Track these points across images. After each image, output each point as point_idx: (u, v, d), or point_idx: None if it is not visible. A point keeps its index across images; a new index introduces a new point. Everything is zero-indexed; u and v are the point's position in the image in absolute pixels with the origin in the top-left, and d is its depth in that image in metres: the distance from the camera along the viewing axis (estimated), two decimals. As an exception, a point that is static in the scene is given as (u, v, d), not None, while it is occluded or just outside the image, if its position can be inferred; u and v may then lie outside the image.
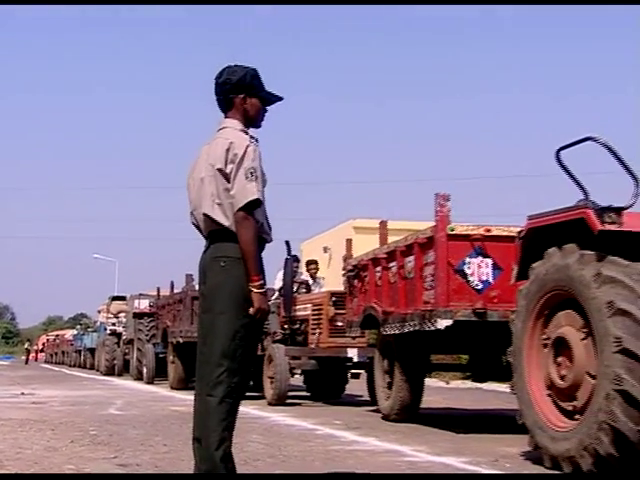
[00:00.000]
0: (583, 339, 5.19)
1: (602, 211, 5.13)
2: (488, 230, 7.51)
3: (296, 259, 12.50)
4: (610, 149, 5.23)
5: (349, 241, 11.22)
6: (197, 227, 4.00)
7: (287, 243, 11.49)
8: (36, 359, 57.05)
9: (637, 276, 4.95)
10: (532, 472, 4.32)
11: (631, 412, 4.76)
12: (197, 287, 4.17)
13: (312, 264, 13.34)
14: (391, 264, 8.65)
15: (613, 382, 4.80)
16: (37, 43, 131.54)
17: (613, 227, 5.10)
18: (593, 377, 5.06)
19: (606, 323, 4.90)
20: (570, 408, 5.30)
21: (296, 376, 12.35)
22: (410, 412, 8.62)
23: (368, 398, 10.92)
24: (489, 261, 7.46)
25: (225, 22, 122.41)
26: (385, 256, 8.83)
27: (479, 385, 13.58)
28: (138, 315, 21.18)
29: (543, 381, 5.56)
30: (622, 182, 5.30)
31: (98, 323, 32.35)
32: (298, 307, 11.94)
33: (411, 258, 8.08)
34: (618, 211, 5.12)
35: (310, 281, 13.01)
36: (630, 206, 5.17)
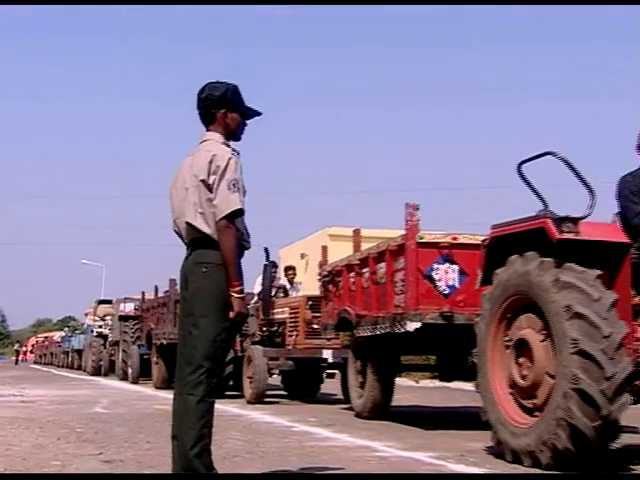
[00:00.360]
0: (542, 341, 5.24)
1: (560, 221, 5.19)
2: (455, 238, 7.57)
3: (274, 265, 12.49)
4: (568, 163, 5.29)
5: (325, 248, 11.22)
6: (179, 235, 4.01)
7: (266, 250, 11.52)
8: (25, 359, 56.43)
9: (592, 281, 5.01)
10: (526, 472, 4.31)
11: (587, 409, 4.81)
12: (180, 291, 4.18)
13: (290, 270, 13.36)
14: (364, 270, 8.68)
15: (570, 381, 4.85)
16: (38, 44, 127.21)
17: (570, 236, 5.15)
18: (552, 377, 5.10)
19: (564, 325, 4.95)
20: (530, 406, 5.34)
21: (274, 376, 12.33)
22: (381, 410, 8.64)
23: (342, 397, 10.91)
24: (456, 267, 7.51)
25: (225, 22, 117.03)
26: (358, 262, 8.86)
27: (446, 384, 13.59)
28: (124, 318, 21.06)
29: (505, 380, 5.59)
30: (579, 194, 5.37)
31: (85, 325, 32.07)
32: (276, 310, 11.93)
33: (383, 264, 8.12)
34: (575, 221, 5.18)
35: (288, 286, 13.01)
36: (586, 216, 5.22)
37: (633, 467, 5.25)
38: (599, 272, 5.07)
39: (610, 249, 5.24)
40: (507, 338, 5.62)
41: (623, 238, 5.26)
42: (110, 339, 23.62)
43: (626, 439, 6.05)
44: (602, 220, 5.57)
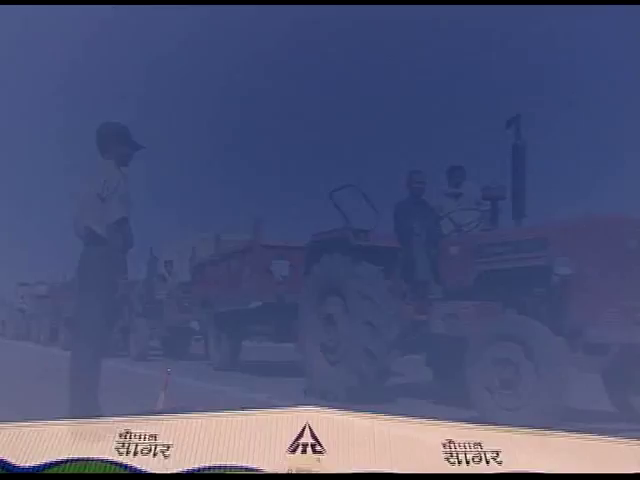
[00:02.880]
0: (344, 315, 5.37)
1: (356, 232, 5.39)
2: (287, 243, 7.70)
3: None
4: (362, 194, 5.51)
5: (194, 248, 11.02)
6: (80, 236, 3.80)
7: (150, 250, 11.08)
8: None
9: (377, 274, 5.23)
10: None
11: (371, 360, 5.00)
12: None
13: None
14: (223, 264, 8.59)
15: (361, 341, 5.04)
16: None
17: (363, 243, 5.37)
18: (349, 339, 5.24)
19: (357, 304, 5.13)
20: (333, 359, 5.46)
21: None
22: (233, 364, 8.57)
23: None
24: (287, 263, 7.63)
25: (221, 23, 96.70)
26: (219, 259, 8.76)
27: (280, 345, 13.62)
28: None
29: (318, 341, 5.68)
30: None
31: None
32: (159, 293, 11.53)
33: (237, 260, 8.08)
34: (366, 232, 5.41)
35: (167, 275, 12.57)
36: (372, 229, 5.47)
37: (400, 399, 5.49)
38: (381, 267, 5.31)
39: (388, 251, 5.48)
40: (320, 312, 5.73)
41: (396, 244, 5.52)
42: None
43: (396, 380, 6.34)
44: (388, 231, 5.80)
